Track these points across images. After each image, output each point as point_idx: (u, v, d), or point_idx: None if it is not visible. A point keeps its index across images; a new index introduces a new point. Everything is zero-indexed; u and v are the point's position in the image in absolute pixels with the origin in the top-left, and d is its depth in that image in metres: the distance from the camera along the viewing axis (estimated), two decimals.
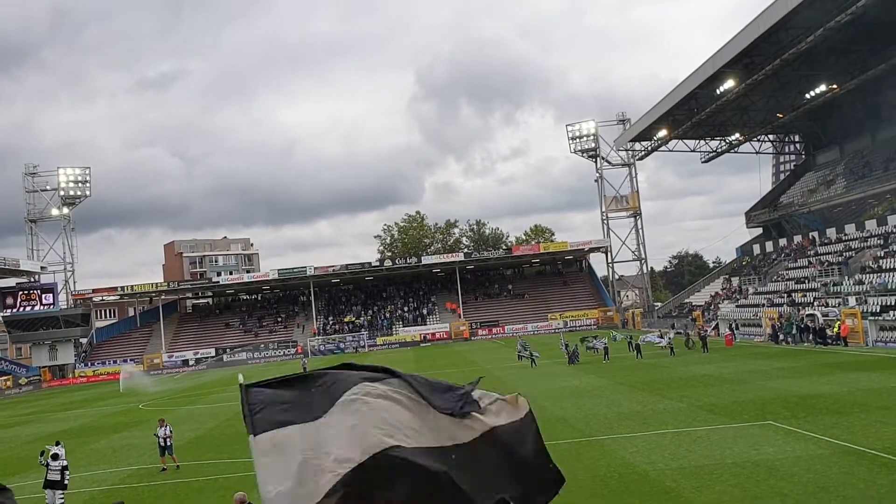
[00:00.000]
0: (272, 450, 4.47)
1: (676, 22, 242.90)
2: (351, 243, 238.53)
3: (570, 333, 66.89)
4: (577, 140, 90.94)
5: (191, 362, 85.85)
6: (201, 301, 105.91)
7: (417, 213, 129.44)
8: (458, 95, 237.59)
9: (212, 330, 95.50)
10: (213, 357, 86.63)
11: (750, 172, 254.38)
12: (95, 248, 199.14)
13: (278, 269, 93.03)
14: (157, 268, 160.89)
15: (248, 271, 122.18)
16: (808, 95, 58.37)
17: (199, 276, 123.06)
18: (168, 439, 22.38)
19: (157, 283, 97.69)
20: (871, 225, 57.62)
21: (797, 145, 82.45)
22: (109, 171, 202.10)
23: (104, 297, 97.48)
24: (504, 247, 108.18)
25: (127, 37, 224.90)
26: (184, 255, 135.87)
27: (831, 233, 62.39)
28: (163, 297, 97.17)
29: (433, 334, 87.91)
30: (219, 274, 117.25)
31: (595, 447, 19.82)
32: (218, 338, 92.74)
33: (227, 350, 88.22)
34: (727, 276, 76.14)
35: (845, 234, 60.00)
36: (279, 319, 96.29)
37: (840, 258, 55.29)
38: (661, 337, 48.72)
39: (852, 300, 45.50)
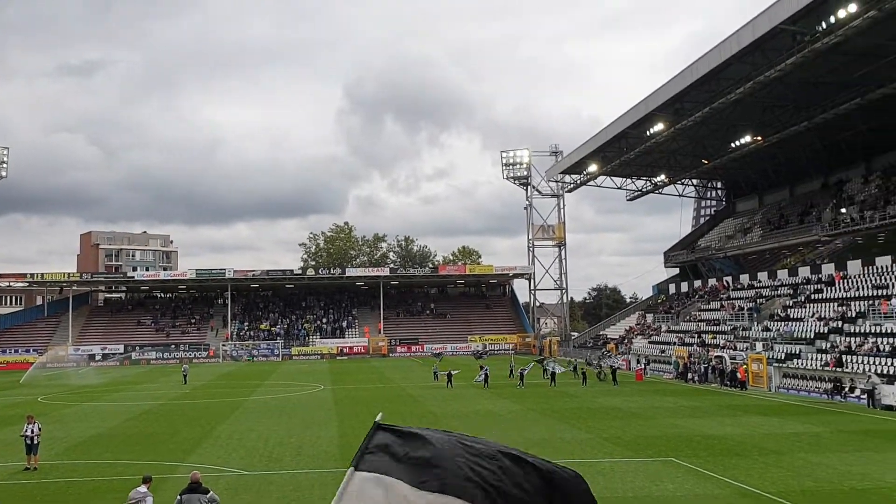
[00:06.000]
0: (364, 491, 3.77)
1: (604, 63, 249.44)
2: (270, 248, 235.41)
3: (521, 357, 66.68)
4: (511, 167, 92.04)
5: (97, 357, 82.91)
6: (114, 295, 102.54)
7: (346, 224, 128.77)
8: (386, 111, 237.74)
9: (123, 326, 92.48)
10: (121, 354, 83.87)
11: (664, 214, 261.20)
12: None
13: (196, 269, 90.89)
14: (69, 258, 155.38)
15: (165, 269, 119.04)
16: (733, 144, 60.42)
17: (115, 269, 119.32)
18: (36, 437, 21.63)
19: (69, 273, 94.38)
20: (782, 274, 59.81)
21: (719, 192, 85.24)
22: (20, 154, 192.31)
23: (11, 283, 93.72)
24: (430, 265, 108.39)
25: (52, 20, 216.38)
26: (100, 246, 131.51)
27: (744, 279, 64.54)
28: (74, 287, 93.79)
29: (350, 348, 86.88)
30: (135, 269, 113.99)
31: None
32: (128, 335, 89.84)
33: (137, 348, 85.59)
34: (642, 312, 77.95)
35: (757, 281, 62.12)
36: (193, 321, 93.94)
37: (751, 304, 57.16)
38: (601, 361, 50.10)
39: (759, 345, 47.08)
